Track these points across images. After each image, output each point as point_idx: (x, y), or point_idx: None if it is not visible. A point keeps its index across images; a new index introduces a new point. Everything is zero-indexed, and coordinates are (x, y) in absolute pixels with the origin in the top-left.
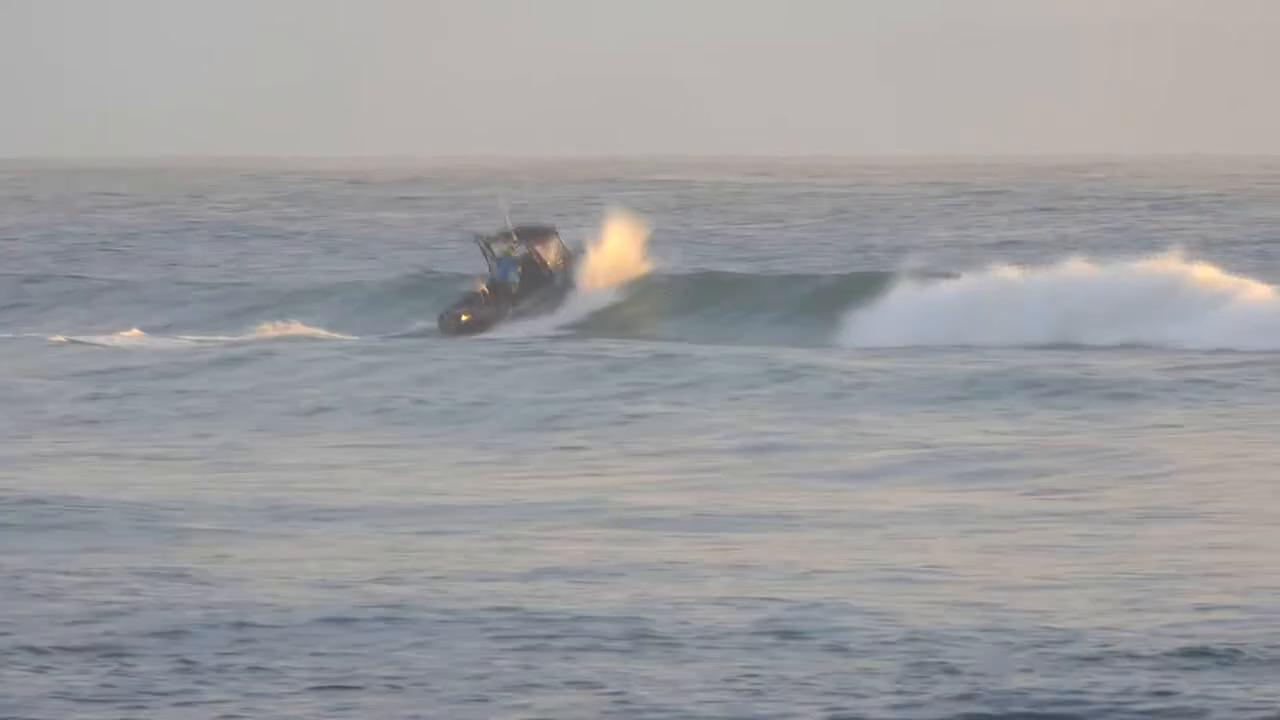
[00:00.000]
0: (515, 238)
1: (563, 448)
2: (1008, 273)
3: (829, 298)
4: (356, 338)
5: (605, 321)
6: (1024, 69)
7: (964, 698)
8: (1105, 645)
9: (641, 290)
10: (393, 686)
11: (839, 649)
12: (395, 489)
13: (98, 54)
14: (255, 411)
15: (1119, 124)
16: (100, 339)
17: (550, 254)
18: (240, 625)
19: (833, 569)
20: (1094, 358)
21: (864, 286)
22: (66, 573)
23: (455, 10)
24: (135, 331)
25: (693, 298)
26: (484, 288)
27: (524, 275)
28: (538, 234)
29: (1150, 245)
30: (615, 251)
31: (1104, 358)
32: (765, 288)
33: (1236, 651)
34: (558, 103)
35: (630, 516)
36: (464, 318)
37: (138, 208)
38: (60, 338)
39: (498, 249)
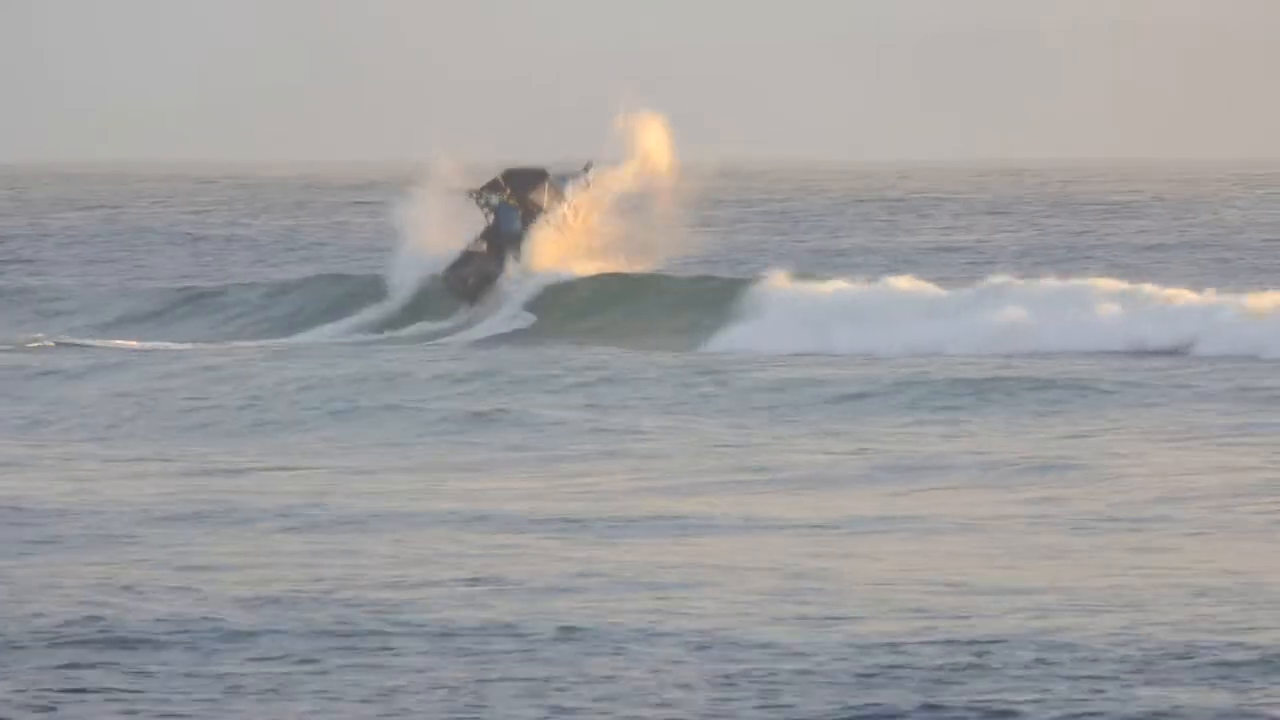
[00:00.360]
0: (504, 186)
1: (498, 450)
2: (899, 281)
3: (724, 299)
4: (291, 340)
5: (518, 322)
6: (1024, 71)
7: (917, 703)
8: (1061, 649)
9: (556, 289)
10: (333, 697)
11: (790, 653)
12: (341, 493)
13: (94, 56)
14: (193, 415)
15: (1119, 127)
16: (96, 341)
17: (544, 198)
18: (184, 633)
19: (785, 572)
20: (1001, 364)
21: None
22: (7, 581)
23: (454, 10)
24: (133, 341)
25: (604, 297)
26: (485, 245)
27: (522, 220)
28: (528, 180)
29: (1098, 251)
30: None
31: (1009, 363)
32: (677, 288)
33: (1192, 656)
34: (556, 103)
35: (577, 520)
36: (469, 280)
37: (92, 210)
38: (47, 341)
39: (493, 199)
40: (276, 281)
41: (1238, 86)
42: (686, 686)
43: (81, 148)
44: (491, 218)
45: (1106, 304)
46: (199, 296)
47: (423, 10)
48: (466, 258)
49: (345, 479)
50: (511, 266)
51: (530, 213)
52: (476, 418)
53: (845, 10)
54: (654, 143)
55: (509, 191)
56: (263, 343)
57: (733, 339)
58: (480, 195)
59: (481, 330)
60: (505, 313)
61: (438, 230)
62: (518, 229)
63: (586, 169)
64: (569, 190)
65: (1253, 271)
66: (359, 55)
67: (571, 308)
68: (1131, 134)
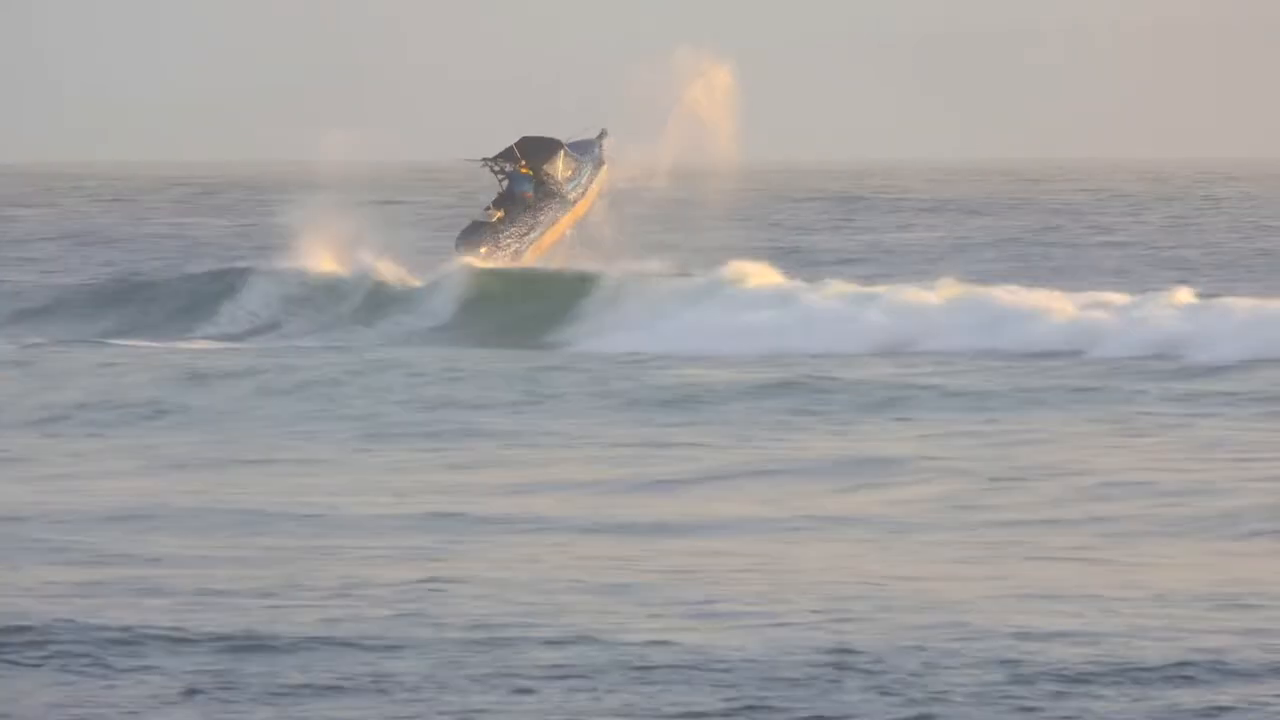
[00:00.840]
0: (519, 156)
1: (410, 450)
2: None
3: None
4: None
5: (409, 327)
6: (1024, 71)
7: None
8: (966, 654)
9: (454, 292)
10: (271, 699)
11: (732, 650)
12: (275, 494)
13: (92, 56)
14: (123, 411)
15: (1120, 128)
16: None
17: (558, 168)
18: (122, 636)
19: (713, 573)
20: (885, 366)
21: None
22: None
23: (455, 10)
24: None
25: (499, 297)
26: (499, 213)
27: (536, 189)
28: (542, 149)
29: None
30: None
31: (893, 366)
32: (560, 288)
33: (1126, 669)
34: (556, 103)
35: (502, 521)
36: (483, 250)
37: (47, 209)
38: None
39: (506, 167)
40: (185, 276)
41: (1243, 86)
42: (653, 679)
43: (79, 148)
44: (505, 184)
45: (988, 307)
46: (100, 289)
47: (423, 11)
48: (476, 227)
49: (277, 479)
50: (524, 231)
51: (544, 182)
52: (392, 417)
53: (844, 11)
54: (708, 95)
55: (523, 161)
56: (179, 342)
57: (577, 336)
58: (495, 163)
59: (383, 331)
60: (410, 312)
61: (331, 237)
62: (528, 190)
63: (601, 137)
64: (571, 180)
65: (1210, 269)
66: (359, 56)
67: (448, 310)
68: (1135, 135)
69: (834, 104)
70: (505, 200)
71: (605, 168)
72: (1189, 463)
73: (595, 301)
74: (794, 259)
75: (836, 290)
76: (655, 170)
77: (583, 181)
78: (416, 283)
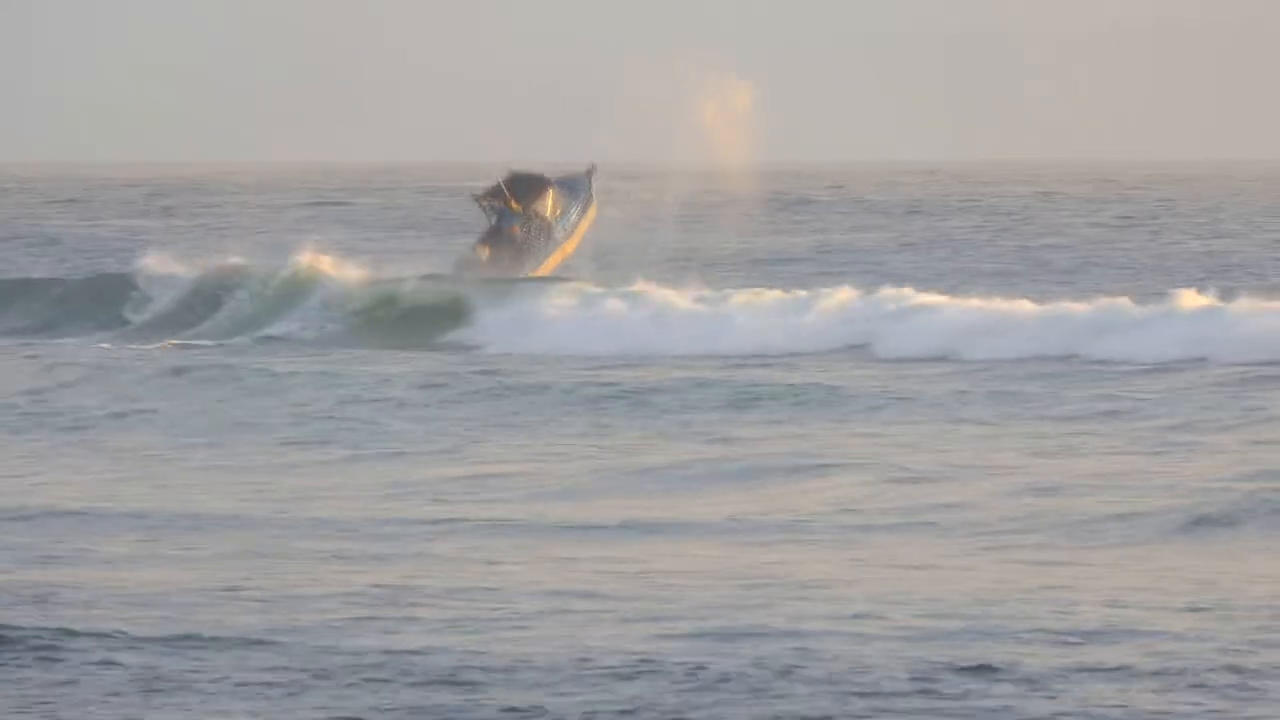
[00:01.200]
0: (508, 193)
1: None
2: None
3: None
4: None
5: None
6: (1021, 73)
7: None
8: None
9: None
10: (228, 697)
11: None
12: (181, 495)
13: (79, 57)
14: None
15: (1118, 129)
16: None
17: (547, 206)
18: (77, 633)
19: (667, 574)
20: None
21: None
22: None
23: (456, 11)
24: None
25: (402, 301)
26: (487, 250)
27: (524, 226)
28: (530, 186)
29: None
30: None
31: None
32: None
33: (1078, 670)
34: (556, 104)
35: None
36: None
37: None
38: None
39: (495, 203)
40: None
41: (1243, 87)
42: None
43: (70, 149)
44: (494, 219)
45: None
46: None
47: (424, 13)
48: (461, 262)
49: (223, 481)
50: (510, 269)
51: (530, 219)
52: (321, 417)
53: (843, 11)
54: (723, 114)
55: (511, 197)
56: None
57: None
58: (484, 200)
59: (271, 330)
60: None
61: (273, 235)
62: (517, 222)
63: (590, 173)
64: (560, 219)
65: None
66: (359, 57)
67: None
68: (1134, 136)
69: (833, 105)
70: (492, 237)
71: (594, 206)
72: (1122, 461)
73: (487, 307)
74: (742, 259)
75: (743, 298)
76: (663, 198)
77: (572, 220)
78: (335, 278)
